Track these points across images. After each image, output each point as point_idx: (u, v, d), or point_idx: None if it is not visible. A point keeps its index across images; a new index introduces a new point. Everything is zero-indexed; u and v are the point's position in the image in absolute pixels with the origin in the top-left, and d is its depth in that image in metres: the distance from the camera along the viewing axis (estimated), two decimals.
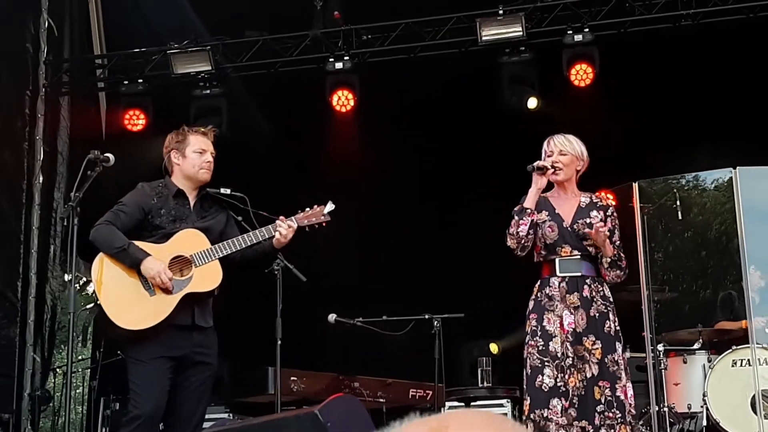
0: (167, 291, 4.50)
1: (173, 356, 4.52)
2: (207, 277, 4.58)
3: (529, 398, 4.66)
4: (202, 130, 4.86)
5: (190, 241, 4.60)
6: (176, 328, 4.53)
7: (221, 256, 4.58)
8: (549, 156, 4.84)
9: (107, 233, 4.55)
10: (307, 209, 4.76)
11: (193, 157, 4.73)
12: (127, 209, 4.61)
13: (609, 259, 4.76)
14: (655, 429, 6.04)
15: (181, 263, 4.58)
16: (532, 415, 4.59)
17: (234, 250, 4.60)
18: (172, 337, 4.51)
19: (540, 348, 4.67)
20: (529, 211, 4.76)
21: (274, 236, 4.64)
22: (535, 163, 4.79)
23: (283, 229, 4.63)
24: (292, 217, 4.70)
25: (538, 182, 4.78)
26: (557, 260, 4.77)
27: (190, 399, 4.59)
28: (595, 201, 4.90)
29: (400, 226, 8.83)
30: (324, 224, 4.77)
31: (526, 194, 4.82)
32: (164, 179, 4.78)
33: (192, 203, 4.74)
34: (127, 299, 4.45)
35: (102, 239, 4.57)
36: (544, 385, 4.61)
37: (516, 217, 4.76)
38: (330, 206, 4.77)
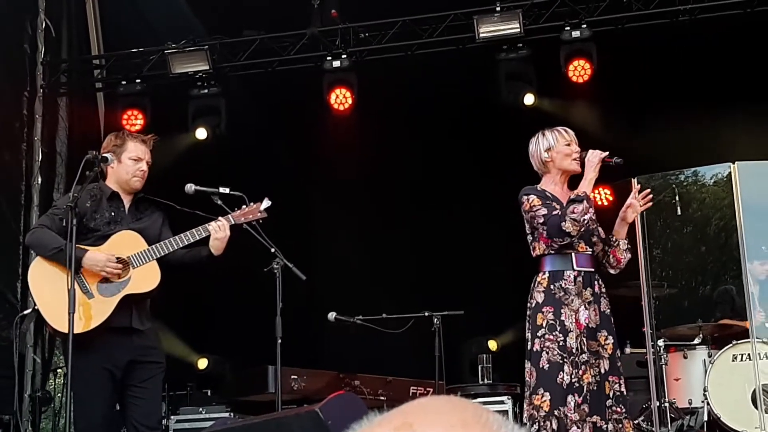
0: (118, 277, 4.46)
1: (116, 364, 4.49)
2: (146, 278, 4.56)
3: (549, 394, 4.57)
4: (143, 137, 4.80)
5: (127, 242, 4.57)
6: (114, 332, 4.49)
7: (159, 256, 4.56)
8: (568, 144, 4.78)
9: (43, 236, 4.53)
10: (244, 206, 4.75)
11: (128, 164, 4.68)
12: (61, 213, 4.55)
13: (625, 241, 4.82)
14: (656, 424, 6.04)
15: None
16: (556, 412, 4.55)
17: (172, 250, 4.57)
18: (111, 342, 4.49)
19: (560, 343, 4.61)
20: (590, 197, 4.73)
21: (210, 234, 4.61)
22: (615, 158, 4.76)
23: (217, 227, 4.60)
24: (229, 215, 4.69)
25: (598, 170, 4.74)
26: (573, 254, 4.72)
27: (145, 400, 4.58)
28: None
29: (399, 223, 8.83)
30: (260, 221, 4.75)
31: (532, 184, 4.77)
32: (98, 182, 4.71)
33: (127, 206, 4.71)
34: (66, 302, 4.33)
35: (38, 243, 4.56)
36: (564, 382, 4.59)
37: (586, 203, 4.62)
38: (266, 203, 4.76)
